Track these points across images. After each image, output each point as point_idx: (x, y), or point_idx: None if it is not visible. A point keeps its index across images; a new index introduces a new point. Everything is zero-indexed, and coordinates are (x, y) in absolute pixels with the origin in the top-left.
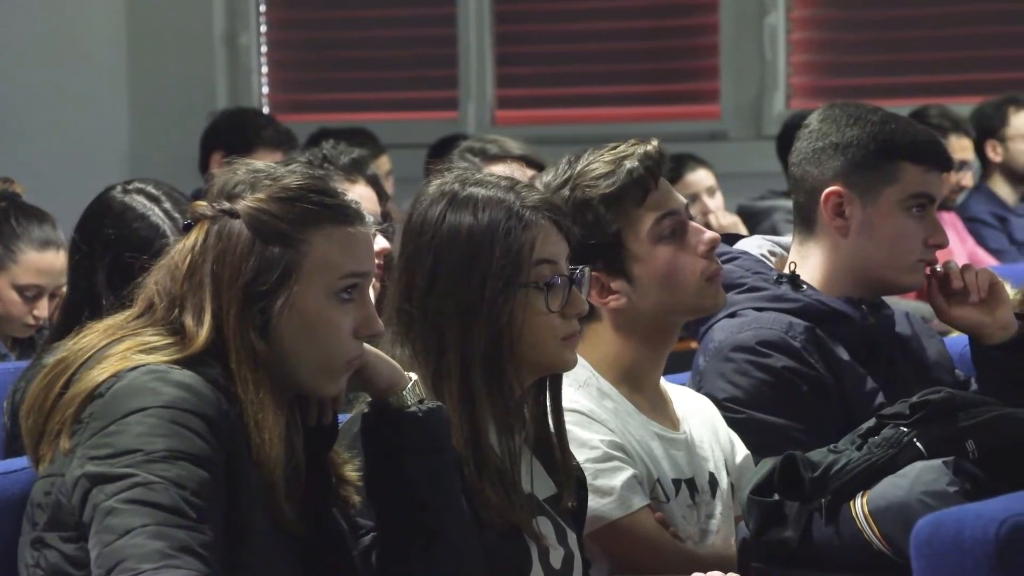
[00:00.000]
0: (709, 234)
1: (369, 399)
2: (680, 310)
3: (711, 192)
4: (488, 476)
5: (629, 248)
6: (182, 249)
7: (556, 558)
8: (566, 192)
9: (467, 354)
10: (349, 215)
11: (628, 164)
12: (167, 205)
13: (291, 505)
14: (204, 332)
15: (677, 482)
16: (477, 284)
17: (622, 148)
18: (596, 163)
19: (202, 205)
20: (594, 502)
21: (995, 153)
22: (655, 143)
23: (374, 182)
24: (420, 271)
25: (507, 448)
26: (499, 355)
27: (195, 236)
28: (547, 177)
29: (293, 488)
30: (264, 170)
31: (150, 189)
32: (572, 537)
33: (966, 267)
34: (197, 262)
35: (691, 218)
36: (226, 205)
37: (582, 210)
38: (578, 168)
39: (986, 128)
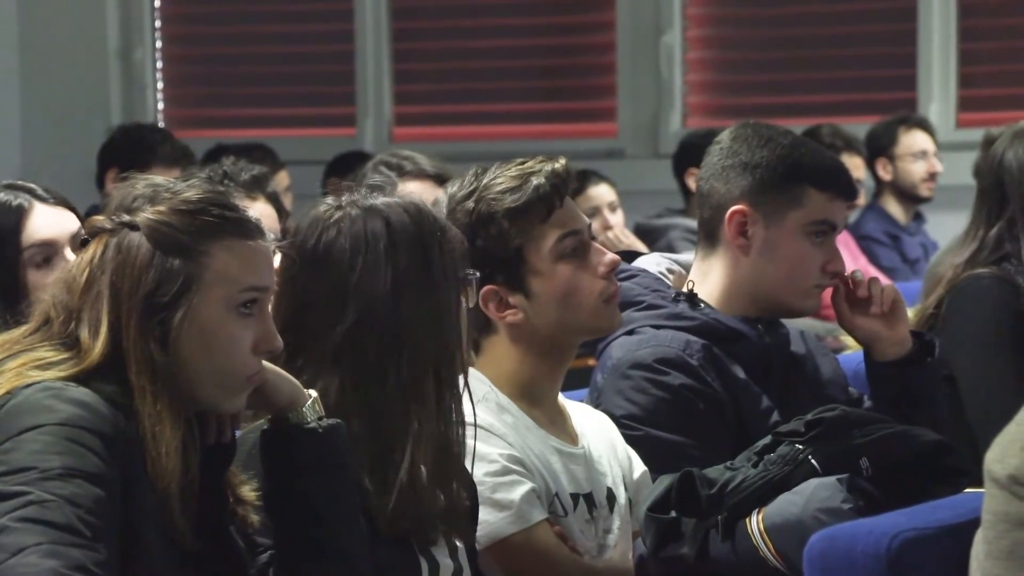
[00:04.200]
0: (610, 256)
1: (268, 416)
2: (576, 329)
3: (612, 207)
4: (416, 485)
5: (530, 264)
6: (80, 263)
7: (446, 573)
8: (470, 204)
9: (441, 360)
10: (250, 229)
11: (535, 180)
12: None
13: (186, 520)
14: (100, 345)
15: (575, 496)
16: (440, 286)
17: (529, 164)
18: (502, 177)
19: (100, 219)
20: (492, 516)
21: (885, 171)
22: (563, 161)
23: (274, 199)
24: (379, 286)
25: (443, 451)
26: (453, 358)
27: (93, 249)
28: (452, 188)
29: (187, 504)
30: (164, 184)
31: None
32: (462, 551)
33: (873, 279)
34: (95, 275)
35: (593, 238)
36: (125, 217)
37: (485, 223)
38: (484, 181)
39: (877, 147)
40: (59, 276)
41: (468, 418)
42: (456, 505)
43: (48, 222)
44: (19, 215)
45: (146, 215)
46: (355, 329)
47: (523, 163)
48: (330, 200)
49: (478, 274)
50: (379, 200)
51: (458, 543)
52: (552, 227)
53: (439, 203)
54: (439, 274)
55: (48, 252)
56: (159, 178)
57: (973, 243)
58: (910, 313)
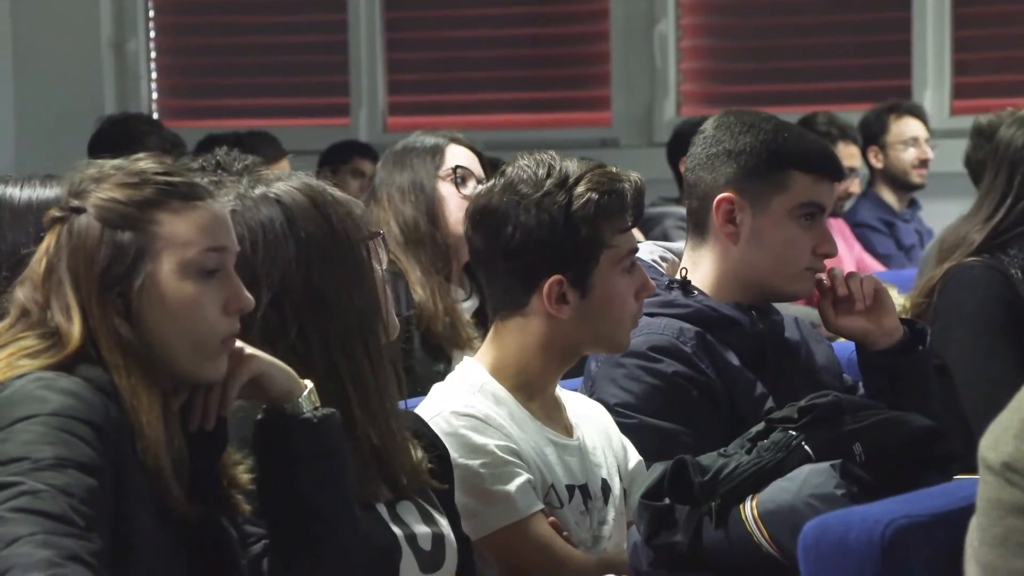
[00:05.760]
0: (651, 283)
1: (264, 406)
2: (600, 339)
3: None
4: (374, 447)
5: (601, 267)
6: (38, 255)
7: (425, 540)
8: (561, 197)
9: (364, 319)
10: (197, 191)
11: (628, 189)
12: None
13: (180, 487)
14: (76, 328)
15: (571, 488)
16: (346, 245)
17: (609, 169)
18: (589, 178)
19: (52, 212)
20: (488, 507)
21: (876, 159)
22: (640, 176)
23: None
24: (285, 259)
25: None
26: (375, 319)
27: (48, 240)
28: (539, 171)
29: (181, 471)
30: (112, 164)
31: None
32: (441, 520)
33: (851, 275)
34: (53, 263)
35: None
36: (74, 203)
37: (581, 219)
38: (568, 173)
39: (868, 134)
40: (26, 272)
41: (464, 408)
42: (415, 461)
43: None
44: None
45: (93, 196)
46: (273, 308)
47: (601, 166)
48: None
49: (382, 232)
50: (272, 186)
51: (431, 510)
52: (626, 239)
53: (510, 179)
54: (344, 239)
55: None
56: (110, 160)
57: (1000, 212)
58: (903, 300)
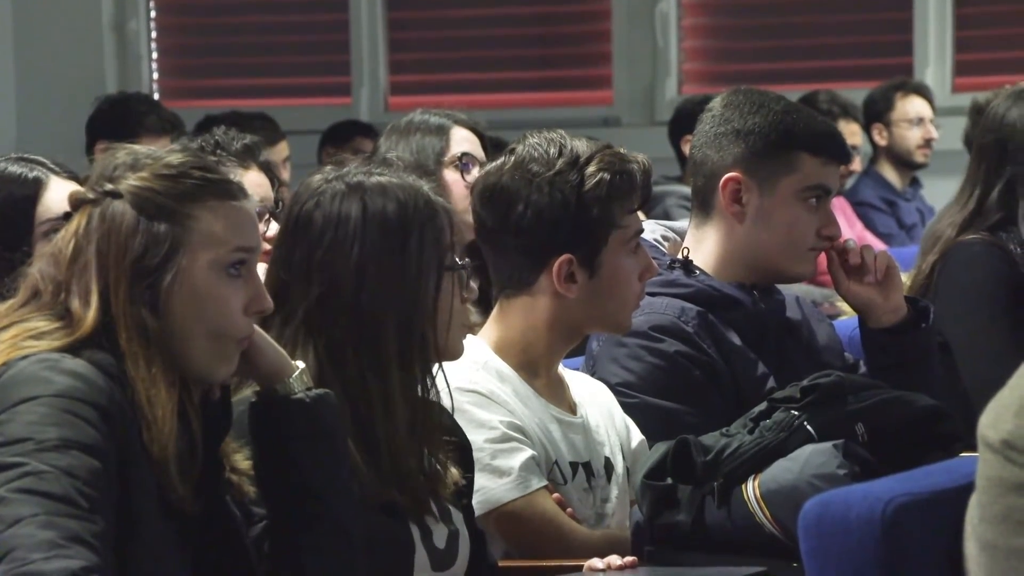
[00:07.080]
0: (655, 265)
1: (257, 388)
2: (604, 319)
3: None
4: (401, 464)
5: (610, 247)
6: (65, 235)
7: (440, 537)
8: (573, 176)
9: (406, 345)
10: (232, 190)
11: (637, 170)
12: None
13: (186, 486)
14: (92, 314)
15: (574, 465)
16: (412, 272)
17: (617, 150)
18: (599, 159)
19: (82, 190)
20: (492, 482)
21: (881, 137)
22: (647, 159)
23: (267, 168)
24: (343, 265)
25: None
26: (427, 344)
27: (78, 221)
28: (552, 150)
29: (187, 468)
30: (144, 152)
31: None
32: (457, 515)
33: (866, 247)
34: (81, 245)
35: None
36: (108, 186)
37: (592, 200)
38: (578, 153)
39: (873, 112)
40: (46, 250)
41: (468, 384)
42: (442, 474)
43: (66, 196)
44: (36, 188)
45: (128, 182)
46: (320, 305)
47: (608, 146)
48: (327, 170)
49: (469, 261)
50: (371, 179)
51: (449, 506)
52: (633, 220)
53: (521, 157)
54: (414, 261)
55: (62, 227)
56: (141, 147)
57: (972, 202)
58: (904, 278)
